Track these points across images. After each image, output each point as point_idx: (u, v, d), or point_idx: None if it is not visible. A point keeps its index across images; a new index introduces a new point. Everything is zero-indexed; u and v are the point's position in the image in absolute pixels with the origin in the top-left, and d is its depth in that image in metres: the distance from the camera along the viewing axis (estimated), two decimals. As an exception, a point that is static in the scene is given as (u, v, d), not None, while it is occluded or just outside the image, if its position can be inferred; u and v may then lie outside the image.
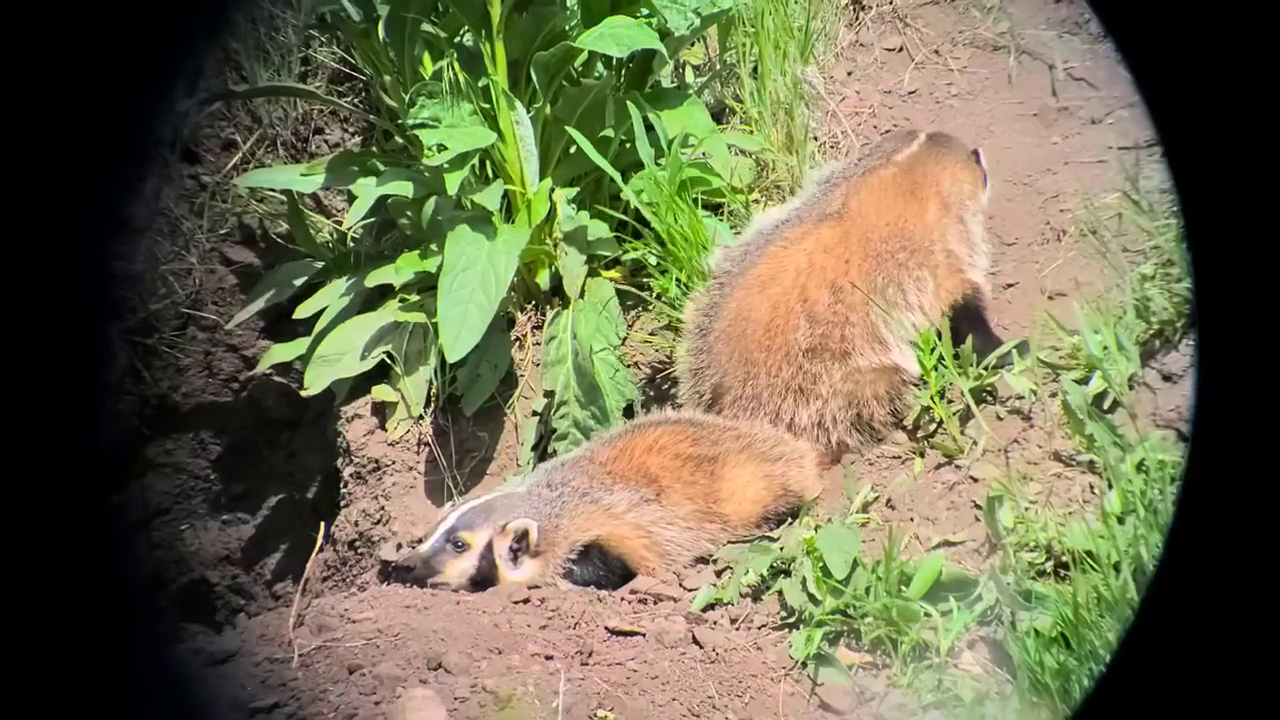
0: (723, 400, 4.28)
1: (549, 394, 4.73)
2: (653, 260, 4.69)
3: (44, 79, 2.15)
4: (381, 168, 4.82)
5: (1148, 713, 2.19)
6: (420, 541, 3.92)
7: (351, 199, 4.85)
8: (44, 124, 2.16)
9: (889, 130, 4.89)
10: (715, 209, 4.83)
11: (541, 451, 4.72)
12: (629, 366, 4.78)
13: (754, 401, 4.22)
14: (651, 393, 4.77)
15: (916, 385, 4.19)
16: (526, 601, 3.76)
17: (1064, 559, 3.49)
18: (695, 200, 4.66)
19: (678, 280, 4.58)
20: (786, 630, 3.68)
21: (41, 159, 2.17)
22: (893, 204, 4.26)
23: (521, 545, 3.86)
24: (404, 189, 4.74)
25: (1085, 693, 2.91)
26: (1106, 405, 3.80)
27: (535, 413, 4.77)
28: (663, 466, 4.05)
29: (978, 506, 3.82)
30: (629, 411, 4.71)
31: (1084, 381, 3.85)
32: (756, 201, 4.87)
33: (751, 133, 4.93)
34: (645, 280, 4.76)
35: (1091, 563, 3.36)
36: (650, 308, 4.79)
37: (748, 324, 4.24)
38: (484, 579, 3.85)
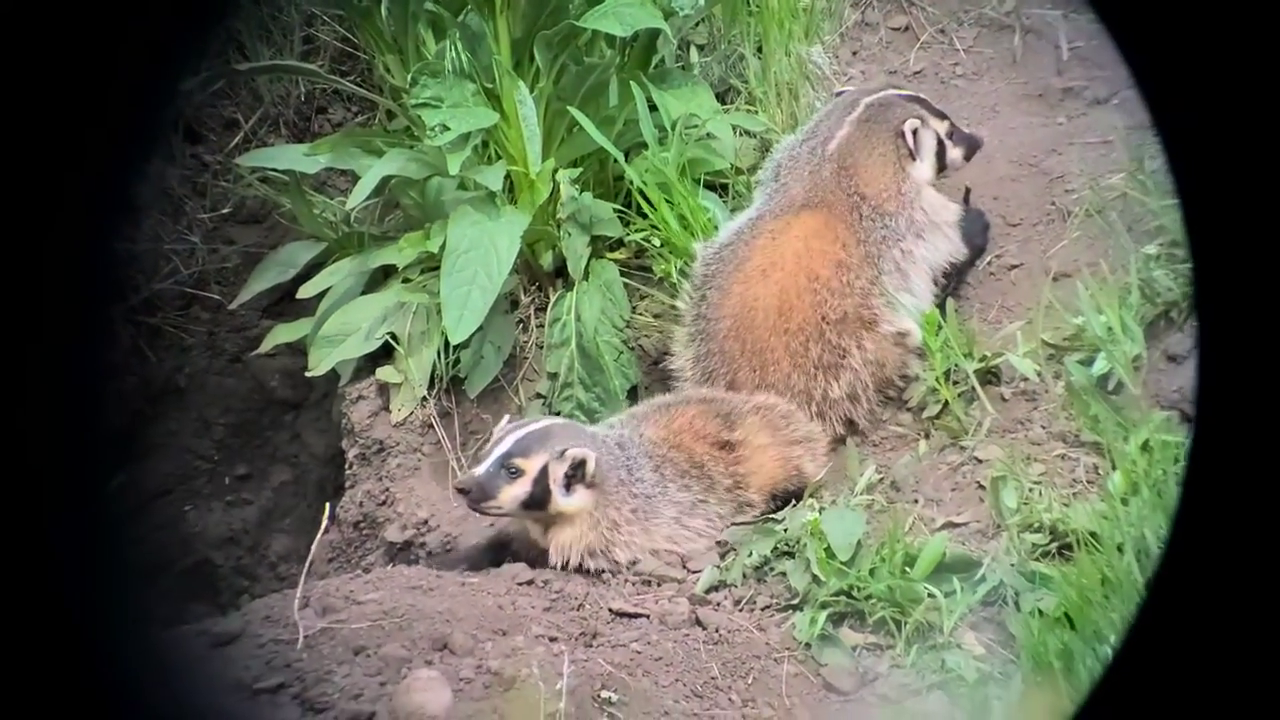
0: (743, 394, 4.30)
1: (553, 376, 4.74)
2: (656, 243, 4.69)
3: (52, 63, 2.16)
4: (384, 148, 4.82)
5: (1155, 699, 2.19)
6: (476, 461, 3.90)
7: (354, 179, 4.84)
8: (52, 107, 2.16)
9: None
10: (720, 189, 4.83)
11: (544, 434, 4.72)
12: (633, 349, 4.78)
13: (773, 390, 4.26)
14: (655, 375, 4.78)
15: (919, 355, 4.23)
16: (530, 583, 3.78)
17: (1068, 540, 3.51)
18: (698, 181, 4.66)
19: (676, 266, 4.59)
20: (790, 611, 3.69)
21: (50, 142, 2.18)
22: (845, 196, 4.35)
23: (578, 473, 3.85)
24: (407, 169, 4.74)
25: (1091, 680, 2.92)
26: (1111, 386, 3.81)
27: (539, 395, 4.78)
28: (708, 455, 4.06)
29: (982, 487, 3.83)
30: (633, 394, 4.71)
31: (1088, 363, 3.86)
32: (759, 183, 4.87)
33: (756, 113, 4.93)
34: (649, 262, 4.76)
35: (1095, 543, 3.38)
36: (654, 290, 4.79)
37: (755, 313, 4.28)
38: (537, 503, 3.85)
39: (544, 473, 3.83)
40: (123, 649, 2.33)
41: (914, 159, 4.39)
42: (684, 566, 3.94)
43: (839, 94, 4.64)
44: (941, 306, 4.28)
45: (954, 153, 4.46)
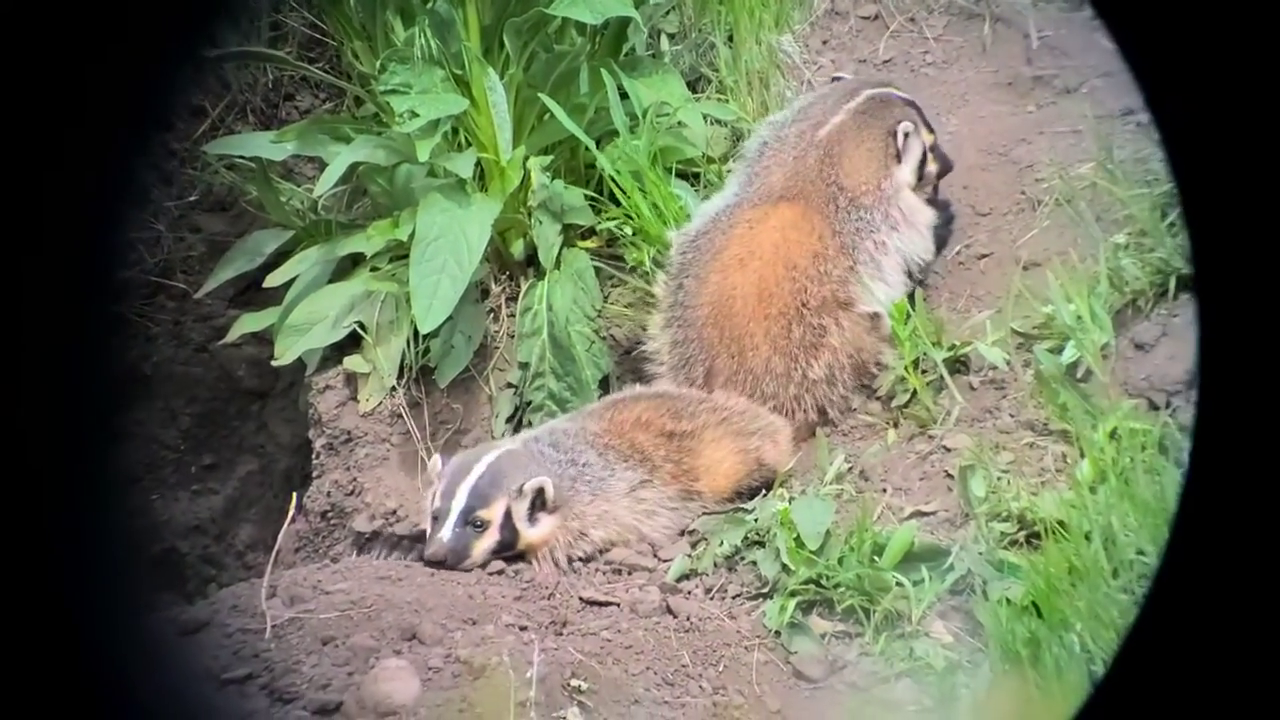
0: (714, 381, 4.33)
1: (524, 366, 4.73)
2: (628, 231, 4.69)
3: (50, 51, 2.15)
4: (352, 135, 4.79)
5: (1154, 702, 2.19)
6: (434, 520, 3.87)
7: (322, 166, 4.82)
8: (46, 100, 2.15)
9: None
10: (690, 178, 4.83)
11: (517, 423, 4.72)
12: (605, 339, 4.78)
13: (751, 375, 4.27)
14: (627, 365, 4.77)
15: (892, 344, 4.25)
16: (500, 573, 3.78)
17: (1036, 528, 3.53)
18: (669, 170, 4.66)
19: (648, 255, 4.58)
20: (760, 600, 3.71)
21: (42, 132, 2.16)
22: (824, 185, 4.37)
23: (538, 503, 3.86)
24: (375, 156, 4.71)
25: (1094, 684, 2.92)
26: (1080, 374, 3.83)
27: (510, 385, 4.77)
28: (651, 444, 4.08)
29: (950, 476, 3.85)
30: (605, 384, 4.71)
31: (1057, 351, 3.88)
32: (730, 171, 4.87)
33: (727, 102, 4.93)
34: (621, 251, 4.75)
35: (1063, 532, 3.40)
36: (626, 279, 4.78)
37: (734, 301, 4.30)
38: (507, 546, 3.85)
39: (508, 516, 3.84)
40: (103, 635, 2.32)
41: (899, 161, 4.41)
42: (655, 555, 3.95)
43: (836, 79, 4.65)
44: (910, 296, 4.31)
45: (931, 168, 4.49)
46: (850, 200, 4.35)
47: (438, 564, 3.79)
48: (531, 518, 3.87)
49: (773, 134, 4.49)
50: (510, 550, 3.86)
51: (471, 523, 3.82)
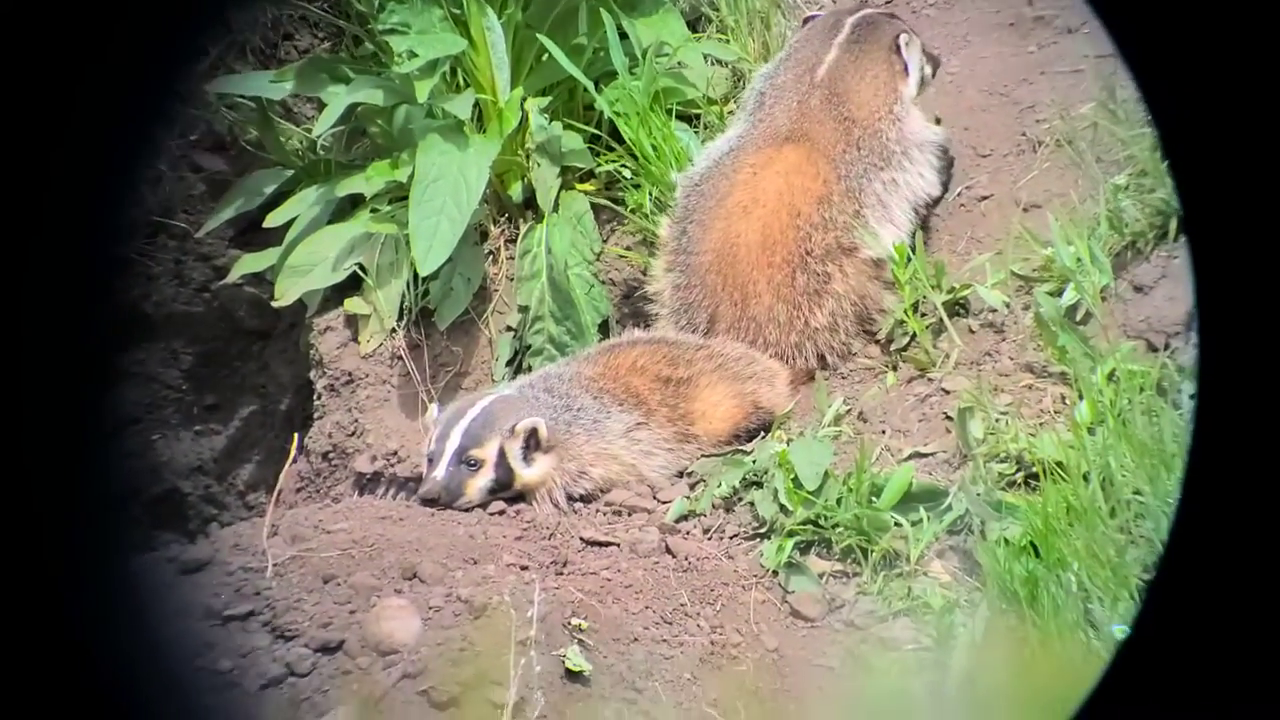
0: (717, 328, 4.32)
1: (523, 309, 4.72)
2: (627, 173, 4.66)
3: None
4: (351, 75, 4.76)
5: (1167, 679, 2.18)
6: (430, 462, 3.88)
7: (321, 106, 4.79)
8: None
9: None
10: (690, 120, 4.79)
11: (517, 366, 4.72)
12: (604, 282, 4.77)
13: (754, 323, 4.26)
14: (626, 309, 4.76)
15: (892, 289, 4.24)
16: (502, 513, 3.79)
17: (1034, 469, 3.53)
18: (670, 111, 4.63)
19: (650, 195, 4.55)
20: (758, 540, 3.72)
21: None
22: (834, 124, 4.33)
23: (532, 443, 3.87)
24: (373, 96, 4.68)
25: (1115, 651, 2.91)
26: (1079, 317, 3.82)
27: (509, 328, 4.76)
28: (647, 388, 4.08)
29: (949, 418, 3.85)
30: (604, 327, 4.70)
31: (1057, 293, 3.87)
32: (732, 112, 4.83)
33: (728, 42, 4.89)
34: (620, 194, 4.72)
35: (1061, 473, 3.41)
36: (625, 222, 4.76)
37: (738, 249, 4.27)
38: (503, 485, 3.86)
39: (501, 455, 3.84)
40: (92, 575, 2.33)
41: (906, 75, 4.37)
42: (654, 497, 3.96)
43: (808, 20, 4.59)
44: (911, 239, 4.28)
45: (928, 69, 4.46)
46: (866, 131, 4.31)
47: (432, 502, 3.81)
48: (527, 458, 3.87)
49: (767, 84, 4.44)
50: (506, 490, 3.87)
51: (466, 462, 3.84)
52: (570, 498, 3.92)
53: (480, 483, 3.84)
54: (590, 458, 3.95)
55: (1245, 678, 2.06)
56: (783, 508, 3.69)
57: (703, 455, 4.07)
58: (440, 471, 3.83)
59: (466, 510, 3.81)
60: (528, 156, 4.73)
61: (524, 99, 4.67)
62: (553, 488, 3.90)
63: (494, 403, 3.94)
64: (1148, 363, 3.58)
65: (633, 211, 4.68)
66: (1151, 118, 2.14)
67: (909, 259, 4.13)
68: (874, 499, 3.60)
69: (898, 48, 4.38)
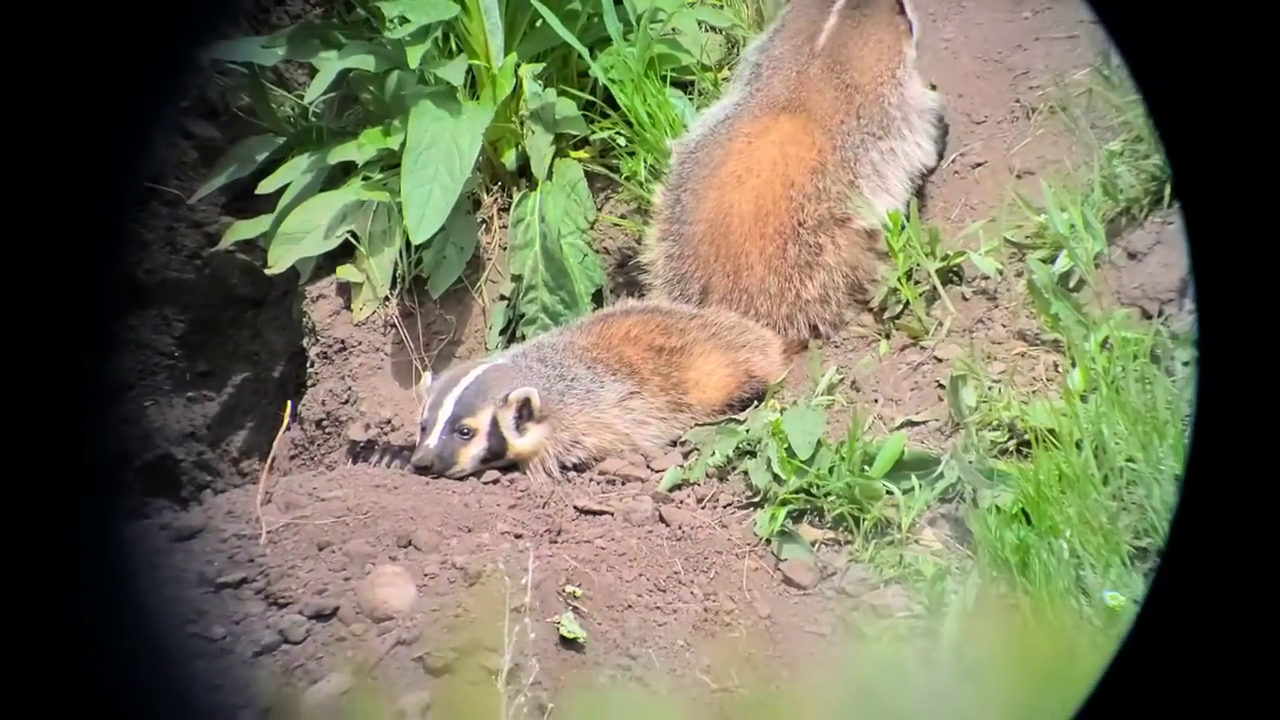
0: (710, 299, 4.31)
1: (516, 278, 4.70)
2: (621, 141, 4.63)
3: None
4: (343, 40, 4.72)
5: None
6: (423, 430, 3.89)
7: (313, 72, 4.76)
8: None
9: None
10: (684, 87, 4.77)
11: (510, 335, 4.71)
12: (598, 251, 4.75)
13: (745, 294, 4.25)
14: (621, 278, 4.75)
15: (885, 260, 4.23)
16: (496, 482, 3.80)
17: (1026, 437, 3.54)
18: (664, 78, 4.60)
19: (645, 163, 4.53)
20: (751, 509, 3.73)
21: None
22: (834, 92, 4.30)
23: (524, 412, 3.87)
24: (365, 63, 4.64)
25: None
26: (1072, 284, 3.82)
27: (503, 297, 4.75)
28: (640, 358, 4.09)
29: (941, 386, 3.85)
30: (598, 297, 4.69)
31: (1050, 260, 3.86)
32: (726, 79, 4.80)
33: (722, 8, 4.86)
34: (614, 161, 4.70)
35: (1054, 440, 3.41)
36: (620, 190, 4.74)
37: (731, 219, 4.26)
38: (495, 455, 3.87)
39: (494, 424, 3.85)
40: (85, 543, 2.32)
41: (912, 33, 4.35)
42: (648, 466, 3.97)
43: None
44: (905, 208, 4.27)
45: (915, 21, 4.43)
46: (868, 98, 4.28)
47: (424, 470, 3.82)
48: (520, 427, 3.88)
49: (762, 56, 4.40)
50: (499, 459, 3.87)
51: (458, 430, 3.84)
52: (564, 467, 3.93)
53: (473, 451, 3.84)
54: (583, 427, 3.95)
55: (1253, 671, 2.05)
56: (776, 476, 3.69)
57: (696, 424, 4.07)
58: (433, 440, 3.84)
59: (460, 479, 3.81)
60: (521, 123, 4.71)
61: (518, 65, 4.64)
62: (546, 457, 3.90)
63: (487, 371, 3.95)
64: (1141, 330, 3.58)
65: (627, 179, 4.66)
66: (1136, 80, 2.11)
67: (903, 226, 4.11)
68: (866, 467, 3.60)
69: (900, 7, 4.35)
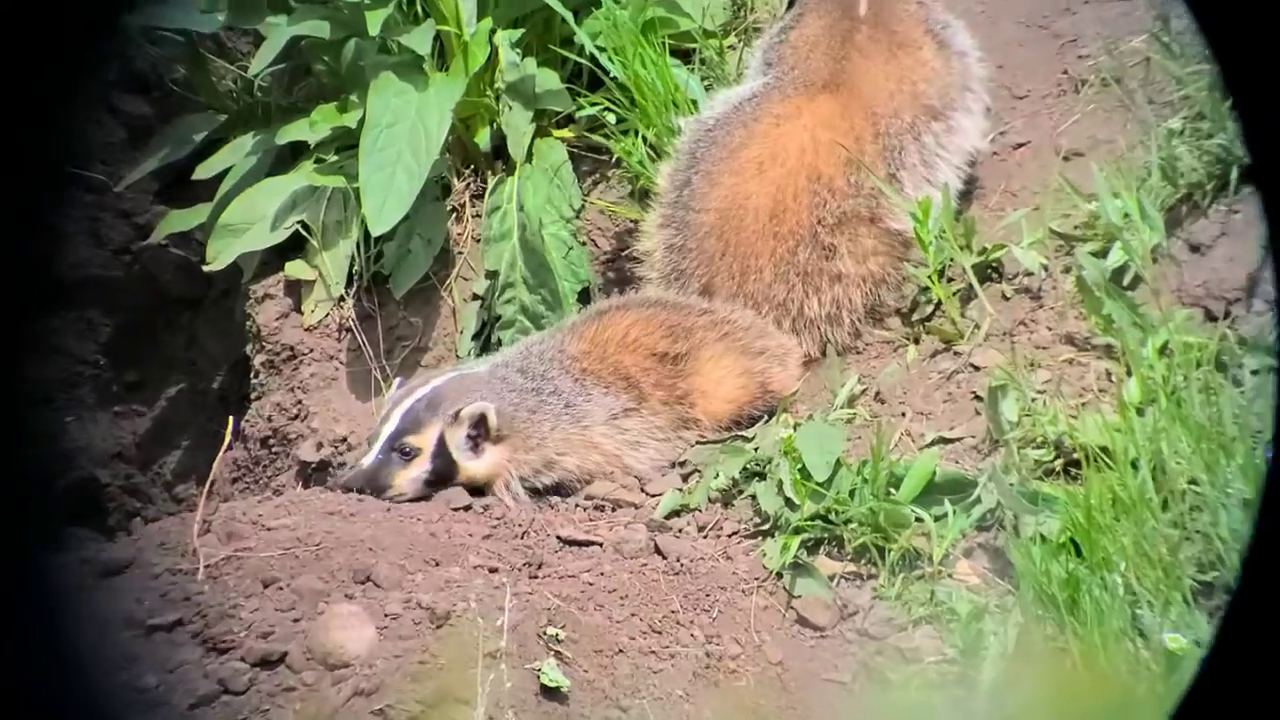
0: (713, 301, 4.29)
1: (491, 275, 4.73)
2: (612, 118, 4.65)
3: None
4: (293, 4, 4.76)
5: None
6: (368, 445, 3.91)
7: (259, 41, 4.78)
8: None
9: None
10: (685, 56, 4.79)
11: (484, 340, 4.72)
12: (585, 243, 4.77)
13: (751, 301, 4.25)
14: (612, 274, 4.77)
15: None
16: (468, 509, 3.81)
17: (1075, 456, 3.56)
18: (663, 45, 4.61)
19: (644, 140, 4.54)
20: (760, 538, 3.75)
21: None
22: (884, 66, 4.32)
23: (480, 431, 3.87)
24: (319, 29, 4.68)
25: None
26: (1126, 281, 3.85)
27: (476, 296, 4.77)
28: (640, 368, 4.09)
29: (978, 398, 3.88)
30: (584, 296, 4.71)
31: (1102, 254, 3.89)
32: (732, 47, 4.83)
33: (727, -36, 4.90)
34: (604, 141, 4.72)
35: (1106, 460, 3.43)
36: (610, 174, 4.76)
37: (745, 213, 4.26)
38: (444, 478, 3.88)
39: (441, 444, 3.86)
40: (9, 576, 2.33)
41: None
42: (642, 490, 3.97)
43: None
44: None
45: None
46: (925, 57, 4.29)
47: (349, 492, 3.82)
48: (478, 447, 3.88)
49: (789, 35, 4.41)
50: (449, 483, 3.89)
51: (399, 450, 3.86)
52: (536, 491, 3.93)
53: (414, 474, 3.86)
54: (559, 446, 3.96)
55: None
56: (788, 501, 3.71)
57: (699, 442, 4.08)
58: (368, 459, 3.87)
59: (398, 502, 3.82)
60: (497, 98, 4.74)
61: (492, 31, 4.68)
62: (509, 480, 3.91)
63: (446, 383, 3.96)
64: (1205, 333, 3.60)
65: (618, 162, 4.67)
66: (1210, 49, 2.12)
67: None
68: (892, 491, 3.62)
69: None
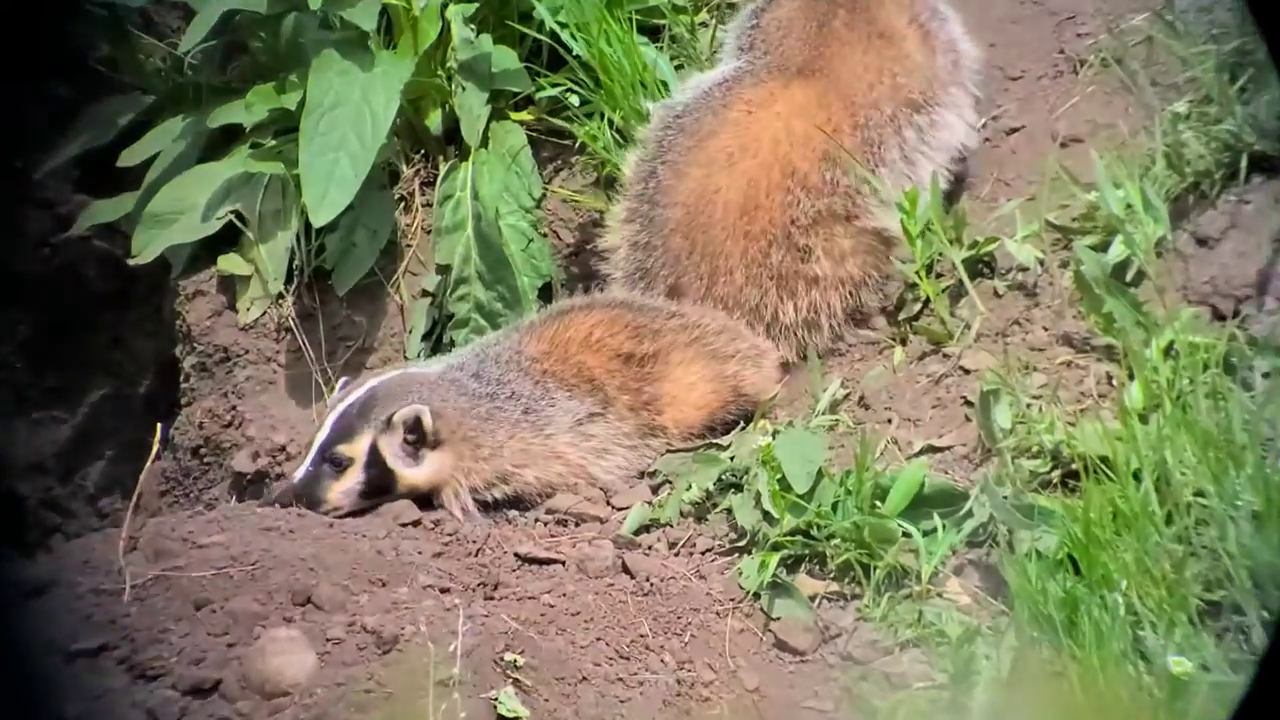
0: (681, 304, 4.27)
1: (443, 269, 4.71)
2: (575, 100, 4.65)
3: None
4: (229, -25, 4.74)
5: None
6: (302, 452, 3.91)
7: (189, 16, 4.75)
8: None
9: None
10: (653, 34, 4.79)
11: (435, 340, 4.71)
12: (546, 235, 4.76)
13: (721, 305, 4.24)
14: (575, 269, 4.77)
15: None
16: (417, 524, 3.79)
17: (1073, 466, 3.55)
18: (630, 21, 4.62)
19: (610, 124, 4.54)
20: (736, 555, 3.73)
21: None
22: (863, 54, 4.32)
23: (417, 436, 3.85)
24: (255, 3, 4.65)
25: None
26: (1128, 277, 3.85)
27: (426, 292, 4.76)
28: (604, 369, 4.07)
29: (969, 404, 3.87)
30: (546, 293, 4.70)
31: (1102, 248, 3.89)
32: (704, 24, 4.83)
33: (699, -66, 4.90)
34: (566, 125, 4.72)
35: (1107, 470, 3.42)
36: (573, 160, 4.76)
37: (714, 209, 4.25)
38: (381, 489, 3.85)
39: (375, 452, 3.84)
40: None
41: None
42: (608, 503, 3.96)
43: None
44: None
45: None
46: (906, 47, 4.30)
47: (282, 507, 3.79)
48: (417, 454, 3.86)
49: (760, 19, 4.41)
50: (384, 494, 3.87)
51: (331, 460, 3.84)
52: (486, 505, 3.91)
53: (346, 486, 3.84)
54: (517, 458, 3.93)
55: None
56: (766, 515, 3.70)
57: (669, 450, 4.07)
58: (299, 471, 3.85)
59: (338, 518, 3.80)
60: (449, 78, 4.73)
61: (444, 6, 4.66)
62: (457, 490, 3.89)
63: (382, 385, 3.93)
64: (1213, 333, 3.61)
65: (582, 148, 4.67)
66: (1257, 22, 2.13)
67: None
68: (878, 503, 3.61)
69: None
